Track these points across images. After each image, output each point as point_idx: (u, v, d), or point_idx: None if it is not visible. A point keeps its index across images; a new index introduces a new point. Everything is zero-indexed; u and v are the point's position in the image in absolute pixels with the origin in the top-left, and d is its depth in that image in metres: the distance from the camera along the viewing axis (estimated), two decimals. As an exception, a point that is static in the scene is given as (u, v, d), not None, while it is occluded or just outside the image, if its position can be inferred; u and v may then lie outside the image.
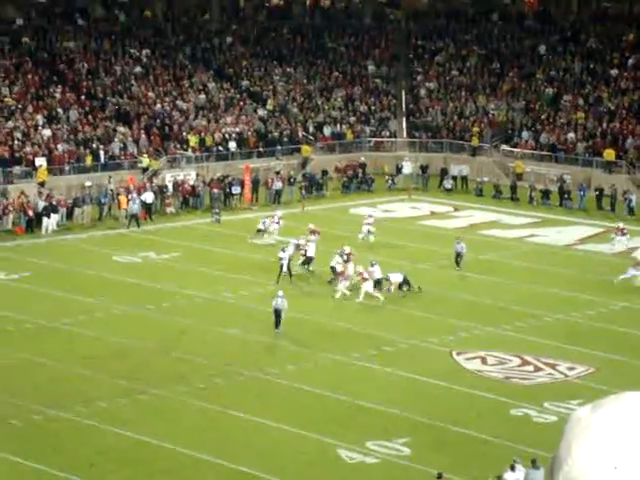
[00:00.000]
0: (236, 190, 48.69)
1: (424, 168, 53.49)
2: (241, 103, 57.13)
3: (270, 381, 27.68)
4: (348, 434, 24.36)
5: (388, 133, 57.95)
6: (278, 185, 49.47)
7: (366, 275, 34.47)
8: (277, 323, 31.18)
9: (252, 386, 27.38)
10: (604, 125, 54.12)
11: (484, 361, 29.65)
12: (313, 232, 39.03)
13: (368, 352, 29.84)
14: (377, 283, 34.69)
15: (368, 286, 34.33)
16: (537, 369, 29.12)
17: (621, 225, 41.49)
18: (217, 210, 45.77)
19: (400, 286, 34.88)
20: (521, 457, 21.97)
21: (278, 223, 41.97)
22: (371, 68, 62.27)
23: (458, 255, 37.44)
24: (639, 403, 1.12)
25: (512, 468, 21.33)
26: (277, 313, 31.21)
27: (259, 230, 41.84)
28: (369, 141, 57.06)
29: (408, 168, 53.66)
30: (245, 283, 36.05)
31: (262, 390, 27.10)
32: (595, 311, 33.78)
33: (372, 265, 34.91)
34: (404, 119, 59.12)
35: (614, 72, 57.55)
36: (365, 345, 30.36)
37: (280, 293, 31.52)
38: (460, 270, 37.07)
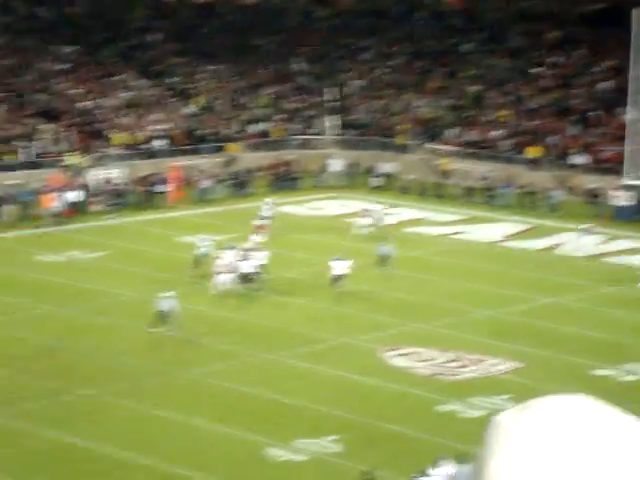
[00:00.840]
0: (160, 188, 48.31)
1: (352, 166, 53.62)
2: (168, 100, 56.74)
3: (198, 380, 27.50)
4: (277, 432, 24.29)
5: (315, 131, 57.97)
6: (208, 184, 49.20)
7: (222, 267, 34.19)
8: (164, 322, 30.05)
9: (180, 385, 27.18)
10: (527, 123, 54.71)
11: (412, 358, 29.76)
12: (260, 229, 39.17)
13: (297, 350, 29.79)
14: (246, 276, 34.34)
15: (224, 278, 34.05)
16: (464, 365, 29.30)
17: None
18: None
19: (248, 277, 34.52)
20: (447, 453, 22.07)
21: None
22: (298, 66, 62.24)
23: (382, 258, 37.22)
24: (561, 408, 1.10)
25: (436, 464, 21.45)
26: (163, 314, 30.11)
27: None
28: (296, 139, 57.03)
29: (336, 165, 53.73)
30: (173, 282, 35.75)
31: (190, 389, 26.92)
32: (522, 307, 34.11)
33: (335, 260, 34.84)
34: (331, 117, 59.19)
35: (537, 70, 58.20)
36: (294, 343, 30.31)
37: (169, 294, 30.75)
38: (386, 269, 37.09)
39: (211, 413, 25.28)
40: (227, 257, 34.96)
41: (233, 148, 54.24)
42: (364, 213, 43.76)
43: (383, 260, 37.24)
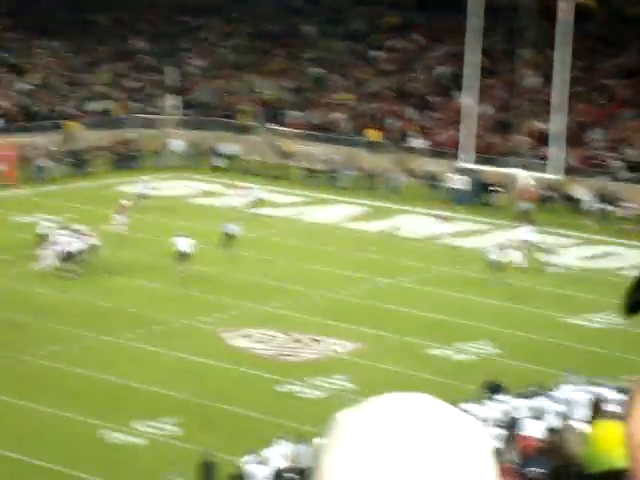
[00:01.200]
0: (-4, 167, 46.98)
1: (193, 146, 53.23)
2: (1, 76, 55.22)
3: (35, 363, 26.92)
4: (114, 415, 24.00)
5: (156, 110, 57.30)
6: (45, 162, 48.06)
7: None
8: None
9: (14, 369, 26.55)
10: (367, 106, 55.31)
11: (252, 339, 29.81)
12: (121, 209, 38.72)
13: (137, 332, 29.47)
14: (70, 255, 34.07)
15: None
16: (305, 346, 29.50)
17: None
18: None
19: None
20: (287, 432, 22.20)
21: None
22: (138, 44, 61.37)
23: (227, 236, 37.34)
24: (398, 406, 1.08)
25: (274, 443, 21.59)
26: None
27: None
28: (137, 118, 56.24)
29: (176, 146, 53.25)
30: (4, 264, 34.89)
31: (27, 373, 26.33)
32: (361, 288, 34.52)
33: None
34: (172, 96, 58.58)
35: (376, 54, 58.87)
36: (133, 325, 29.96)
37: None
38: (231, 250, 37.03)
39: (48, 397, 24.79)
40: (56, 236, 34.52)
41: (71, 126, 53.14)
42: (239, 192, 43.86)
43: (228, 240, 37.20)
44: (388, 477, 1.14)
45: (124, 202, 39.51)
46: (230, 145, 53.32)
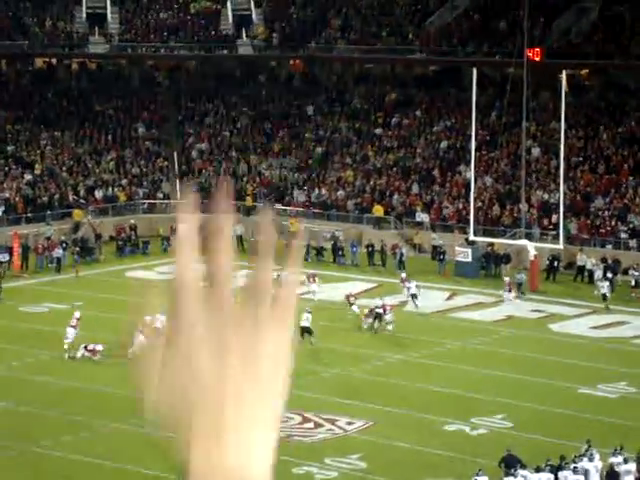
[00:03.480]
0: (3, 258, 47.12)
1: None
2: (6, 169, 55.70)
3: (44, 454, 26.74)
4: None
5: (162, 195, 57.70)
6: (59, 252, 48.00)
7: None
8: None
9: (25, 460, 26.36)
10: (371, 182, 55.65)
11: (265, 420, 29.60)
12: None
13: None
14: None
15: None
16: (317, 425, 29.33)
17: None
18: None
19: None
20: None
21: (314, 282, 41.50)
22: (141, 130, 61.99)
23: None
24: None
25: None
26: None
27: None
28: (143, 203, 56.63)
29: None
30: (17, 353, 34.84)
31: (36, 464, 26.14)
32: (371, 365, 34.38)
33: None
34: (177, 181, 59.03)
35: (379, 131, 59.37)
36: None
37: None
38: None
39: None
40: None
41: (78, 214, 53.46)
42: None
43: None
44: None
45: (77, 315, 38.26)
46: (237, 226, 53.54)
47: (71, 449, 27.01)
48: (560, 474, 24.34)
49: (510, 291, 41.76)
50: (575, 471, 24.31)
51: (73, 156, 58.68)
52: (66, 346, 34.61)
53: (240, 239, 52.70)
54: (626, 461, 24.72)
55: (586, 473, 24.57)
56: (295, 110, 62.59)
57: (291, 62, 67.18)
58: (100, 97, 63.68)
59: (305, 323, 35.42)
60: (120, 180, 57.70)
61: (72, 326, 34.95)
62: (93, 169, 58.14)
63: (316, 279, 41.98)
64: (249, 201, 55.97)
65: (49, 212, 52.98)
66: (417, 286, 41.56)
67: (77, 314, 35.59)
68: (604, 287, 41.85)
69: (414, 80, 62.82)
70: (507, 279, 42.71)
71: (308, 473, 25.96)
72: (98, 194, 56.09)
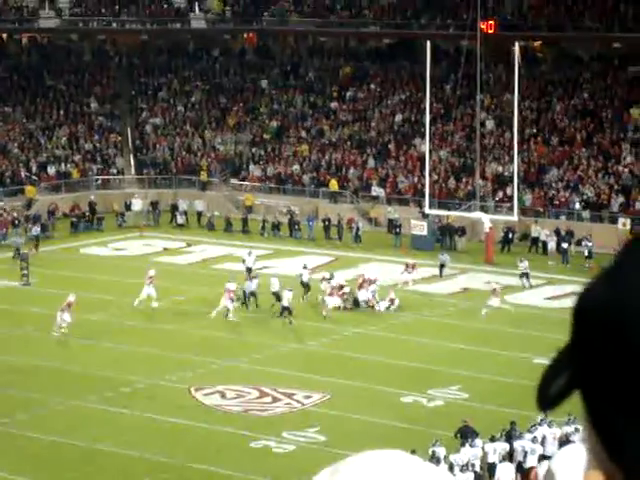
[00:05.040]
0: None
1: (154, 204, 53.18)
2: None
3: (0, 431, 26.58)
4: (87, 481, 23.71)
5: (115, 170, 57.28)
6: (37, 230, 47.43)
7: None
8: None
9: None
10: (327, 156, 55.59)
11: (223, 395, 29.63)
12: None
13: (104, 394, 29.19)
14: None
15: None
16: (275, 399, 29.36)
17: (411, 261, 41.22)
18: None
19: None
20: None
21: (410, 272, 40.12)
22: (94, 105, 61.43)
23: (251, 294, 37.16)
24: (377, 467, 1.05)
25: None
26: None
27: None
28: (96, 179, 56.19)
29: (138, 205, 53.19)
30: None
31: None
32: (329, 338, 34.44)
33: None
34: (131, 156, 58.62)
35: (334, 105, 59.25)
36: (101, 387, 29.68)
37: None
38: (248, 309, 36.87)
39: (15, 465, 24.45)
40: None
41: (31, 191, 52.95)
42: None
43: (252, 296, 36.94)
44: None
45: (152, 272, 38.15)
46: (191, 201, 53.30)
47: (27, 427, 26.84)
48: (516, 443, 24.55)
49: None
50: (533, 440, 24.53)
51: (25, 132, 58.06)
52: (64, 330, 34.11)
53: (199, 215, 52.50)
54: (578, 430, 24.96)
55: (543, 440, 24.80)
56: (249, 84, 62.31)
57: (245, 36, 66.80)
58: (51, 72, 63.01)
59: (285, 303, 35.67)
60: (73, 156, 57.20)
61: (62, 310, 34.38)
62: (45, 145, 57.58)
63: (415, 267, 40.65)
64: (204, 176, 55.72)
65: (0, 189, 52.41)
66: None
67: (71, 298, 34.84)
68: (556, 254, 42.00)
69: (368, 53, 62.73)
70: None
71: (266, 447, 25.99)
72: (51, 170, 55.58)
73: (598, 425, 0.95)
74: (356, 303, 37.50)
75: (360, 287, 37.83)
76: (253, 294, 37.42)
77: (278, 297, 36.47)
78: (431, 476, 1.19)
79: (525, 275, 40.61)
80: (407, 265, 40.83)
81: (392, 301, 37.32)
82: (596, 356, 0.95)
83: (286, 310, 35.71)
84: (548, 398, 1.00)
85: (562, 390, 1.00)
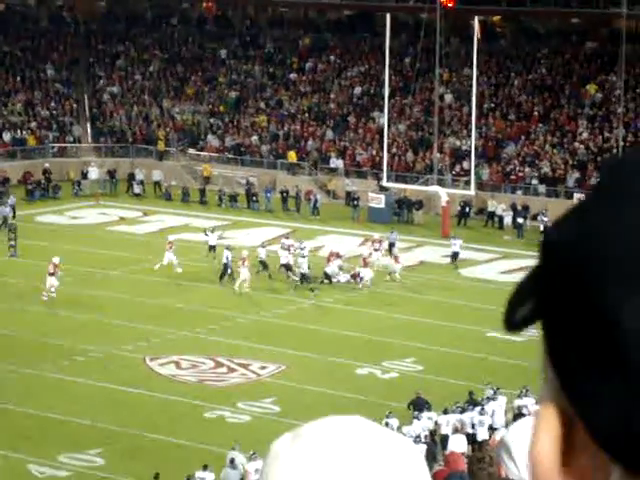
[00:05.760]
0: None
1: (111, 173, 52.85)
2: None
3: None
4: (38, 448, 23.64)
5: (72, 138, 56.82)
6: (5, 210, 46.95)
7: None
8: None
9: None
10: (286, 128, 55.48)
11: (178, 365, 29.62)
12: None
13: (59, 363, 29.08)
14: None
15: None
16: (230, 370, 29.41)
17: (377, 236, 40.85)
18: None
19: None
20: (216, 458, 22.09)
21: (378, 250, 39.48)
22: (50, 72, 60.84)
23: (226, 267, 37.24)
24: (338, 432, 1.06)
25: (204, 468, 21.59)
26: None
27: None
28: (52, 147, 55.72)
29: (94, 173, 52.84)
30: None
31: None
32: (285, 310, 34.50)
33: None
34: (88, 124, 58.17)
35: (293, 76, 59.09)
36: (55, 355, 29.57)
37: None
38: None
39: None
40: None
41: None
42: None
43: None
44: None
45: (171, 237, 38.35)
46: (149, 171, 53.03)
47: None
48: (465, 415, 24.77)
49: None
50: (481, 412, 24.77)
51: (-19, 98, 57.40)
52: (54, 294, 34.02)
53: (158, 184, 52.23)
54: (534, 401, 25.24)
55: (493, 413, 25.05)
56: (209, 53, 61.95)
57: (203, 4, 66.33)
58: (8, 38, 62.27)
59: (304, 270, 36.65)
60: (29, 123, 56.66)
61: (50, 274, 34.37)
62: (1, 111, 56.97)
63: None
64: (161, 145, 55.42)
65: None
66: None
67: (55, 260, 34.80)
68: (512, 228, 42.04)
69: (328, 25, 62.55)
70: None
71: (220, 417, 26.05)
72: (6, 137, 55.03)
73: (554, 357, 0.97)
74: (327, 277, 37.28)
75: (328, 261, 37.82)
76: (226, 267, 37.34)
77: (288, 267, 37.02)
78: (390, 440, 1.22)
79: (454, 255, 39.64)
80: (373, 242, 40.34)
81: (357, 275, 37.08)
82: (558, 289, 0.97)
83: (306, 279, 36.13)
84: (513, 323, 1.03)
85: (526, 317, 1.02)
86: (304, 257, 37.36)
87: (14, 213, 44.01)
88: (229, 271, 36.88)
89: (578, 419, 0.95)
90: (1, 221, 43.40)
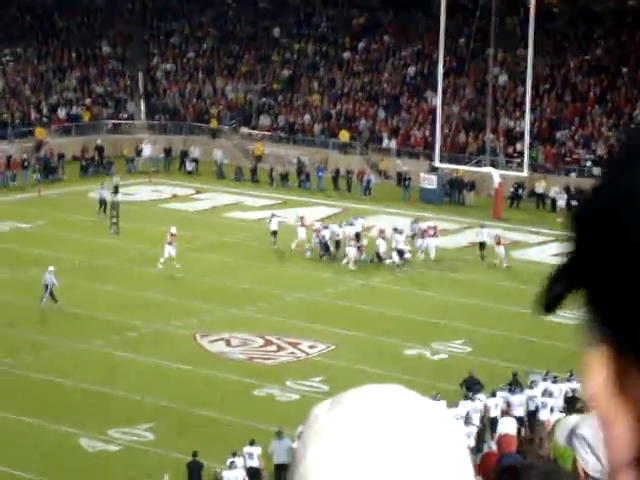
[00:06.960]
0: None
1: (165, 150, 53.10)
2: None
3: (5, 372, 26.75)
4: (89, 422, 23.89)
5: (126, 115, 57.15)
6: (17, 170, 47.61)
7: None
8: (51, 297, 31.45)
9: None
10: (338, 107, 55.37)
11: (228, 343, 29.76)
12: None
13: (110, 338, 29.35)
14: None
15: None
16: (280, 348, 29.48)
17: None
18: None
19: None
20: (265, 435, 22.20)
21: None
22: (105, 49, 61.18)
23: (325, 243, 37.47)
24: (377, 399, 1.06)
25: (252, 443, 21.76)
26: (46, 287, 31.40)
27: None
28: (107, 124, 56.08)
29: (148, 151, 53.11)
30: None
31: (-1, 382, 26.18)
32: (335, 289, 34.52)
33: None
34: (142, 101, 58.45)
35: (346, 55, 58.92)
36: (107, 331, 29.83)
37: (50, 269, 31.60)
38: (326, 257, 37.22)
39: (20, 406, 24.63)
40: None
41: (41, 132, 52.89)
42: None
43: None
44: (368, 471, 1.17)
45: (173, 230, 37.95)
46: (202, 149, 53.22)
47: (31, 368, 27.01)
48: (515, 397, 24.63)
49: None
50: (544, 394, 24.57)
51: (36, 73, 57.88)
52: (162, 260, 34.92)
53: (211, 162, 52.39)
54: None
55: (550, 395, 24.87)
56: (262, 32, 61.93)
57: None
58: (63, 13, 62.69)
59: (400, 246, 36.72)
60: (84, 99, 57.05)
61: (168, 243, 35.17)
62: (56, 87, 57.42)
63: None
64: (214, 123, 55.56)
65: (11, 130, 52.34)
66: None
67: (173, 230, 35.50)
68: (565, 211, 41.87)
69: (383, 4, 62.24)
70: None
71: (269, 395, 26.15)
72: (61, 113, 55.46)
73: (601, 309, 1.04)
74: (379, 257, 37.11)
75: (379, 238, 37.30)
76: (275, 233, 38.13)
77: (399, 252, 36.82)
78: (432, 409, 1.22)
79: (482, 245, 37.86)
80: (429, 227, 38.85)
81: (401, 253, 37.00)
82: (597, 257, 1.03)
83: (400, 255, 36.32)
84: (548, 299, 1.08)
85: (561, 291, 1.08)
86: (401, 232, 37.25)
87: (117, 191, 42.52)
88: (331, 249, 37.02)
89: (628, 355, 1.03)
90: (100, 204, 42.75)
